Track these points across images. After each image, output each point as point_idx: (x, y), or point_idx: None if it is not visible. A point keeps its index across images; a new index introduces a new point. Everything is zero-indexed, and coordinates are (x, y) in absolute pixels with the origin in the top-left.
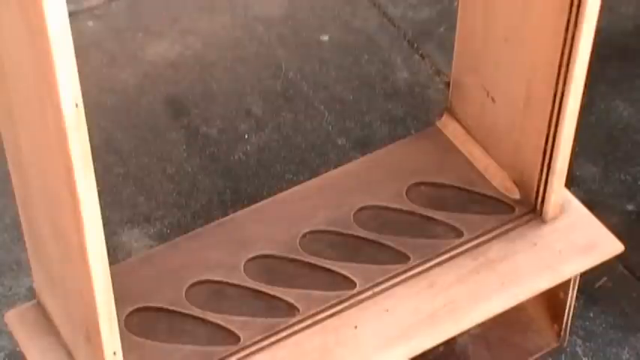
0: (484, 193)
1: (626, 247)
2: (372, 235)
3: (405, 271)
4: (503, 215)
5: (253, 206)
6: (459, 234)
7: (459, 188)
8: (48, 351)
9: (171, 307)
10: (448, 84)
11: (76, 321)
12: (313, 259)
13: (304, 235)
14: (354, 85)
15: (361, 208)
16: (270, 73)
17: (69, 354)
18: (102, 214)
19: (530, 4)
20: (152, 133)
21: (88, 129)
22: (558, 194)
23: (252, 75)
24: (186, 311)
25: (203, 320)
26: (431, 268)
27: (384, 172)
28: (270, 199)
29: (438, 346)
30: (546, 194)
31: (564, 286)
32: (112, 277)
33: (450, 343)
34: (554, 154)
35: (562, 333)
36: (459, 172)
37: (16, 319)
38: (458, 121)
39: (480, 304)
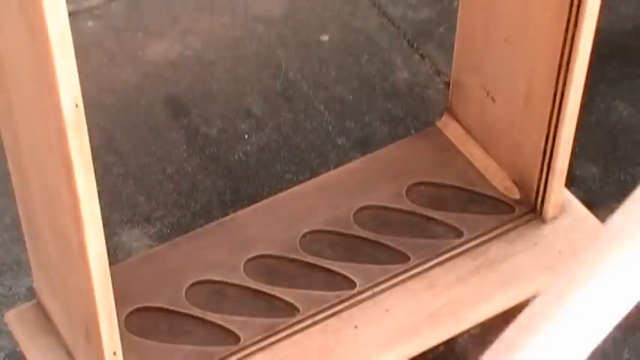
0: (484, 193)
1: None
2: (372, 235)
3: (405, 271)
4: (503, 215)
5: (253, 206)
6: (459, 234)
7: (459, 188)
8: (48, 351)
9: (171, 307)
10: (448, 84)
11: (76, 321)
12: (313, 259)
13: (304, 235)
14: (354, 85)
15: (361, 208)
16: (270, 73)
17: (69, 354)
18: (102, 214)
19: (530, 4)
20: (152, 133)
21: (88, 129)
22: (558, 194)
23: (252, 75)
24: (186, 311)
25: (203, 320)
26: (431, 268)
27: (384, 172)
28: (270, 199)
29: (438, 346)
30: (546, 194)
31: None
32: (112, 277)
33: (450, 343)
34: (554, 154)
35: None
36: (459, 172)
37: (16, 319)
38: (458, 121)
39: (480, 304)
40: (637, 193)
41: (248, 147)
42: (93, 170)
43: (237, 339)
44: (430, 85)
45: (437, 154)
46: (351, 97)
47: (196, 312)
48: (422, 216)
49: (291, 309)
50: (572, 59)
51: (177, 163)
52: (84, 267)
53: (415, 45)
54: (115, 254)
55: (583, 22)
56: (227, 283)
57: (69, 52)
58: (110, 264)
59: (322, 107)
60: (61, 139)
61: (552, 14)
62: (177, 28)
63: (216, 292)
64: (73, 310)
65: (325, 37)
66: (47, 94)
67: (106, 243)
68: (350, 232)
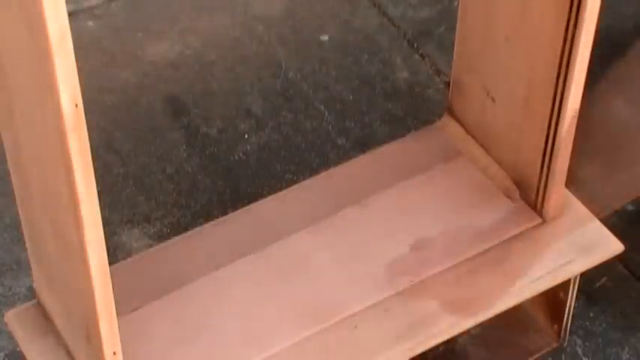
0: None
1: (626, 247)
2: None
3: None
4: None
5: (254, 204)
6: None
7: None
8: (48, 351)
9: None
10: (448, 84)
11: (76, 321)
12: None
13: None
14: (354, 85)
15: None
16: (270, 72)
17: (69, 354)
18: (102, 214)
19: (530, 3)
20: (152, 133)
21: (88, 129)
22: (558, 194)
23: (252, 74)
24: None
25: None
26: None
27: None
28: (270, 198)
29: (438, 346)
30: (546, 194)
31: (564, 286)
32: (112, 277)
33: (450, 343)
34: (554, 154)
35: (562, 333)
36: None
37: (16, 319)
38: (458, 121)
39: (480, 304)
40: None
41: (248, 147)
42: (93, 170)
43: None
44: (430, 85)
45: (437, 154)
46: (351, 97)
47: None
48: None
49: None
50: (572, 59)
51: (177, 163)
52: (84, 267)
53: (415, 45)
54: (115, 254)
55: (583, 22)
56: None
57: (69, 52)
58: (110, 264)
59: (322, 107)
60: (60, 139)
61: (552, 14)
62: (177, 27)
63: None
64: (73, 310)
65: (325, 37)
66: (47, 94)
67: (106, 243)
68: None
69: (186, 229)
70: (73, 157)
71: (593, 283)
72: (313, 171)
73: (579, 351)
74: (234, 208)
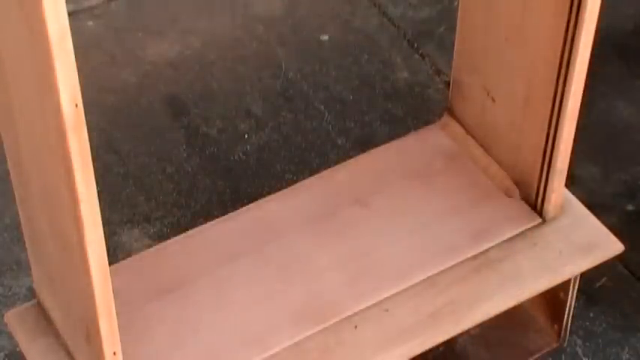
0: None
1: (626, 247)
2: None
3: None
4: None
5: (253, 204)
6: None
7: None
8: (48, 351)
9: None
10: (448, 84)
11: (76, 321)
12: None
13: None
14: (354, 85)
15: None
16: (270, 72)
17: (69, 354)
18: (102, 214)
19: (530, 3)
20: (152, 133)
21: (88, 129)
22: (558, 194)
23: (252, 74)
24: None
25: None
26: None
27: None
28: (270, 197)
29: (438, 346)
30: (546, 194)
31: (564, 286)
32: (112, 277)
33: (450, 343)
34: (554, 154)
35: (562, 333)
36: None
37: (15, 319)
38: (458, 121)
39: (480, 304)
40: None
41: (248, 147)
42: (93, 170)
43: None
44: (430, 85)
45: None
46: (351, 97)
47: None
48: None
49: None
50: (572, 59)
51: (177, 163)
52: (84, 267)
53: (415, 45)
54: (115, 254)
55: (583, 22)
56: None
57: (69, 52)
58: (110, 264)
59: (322, 107)
60: (60, 139)
61: (552, 14)
62: (177, 27)
63: None
64: (73, 310)
65: (325, 37)
66: (47, 94)
67: (106, 243)
68: None
69: (186, 229)
70: (73, 157)
71: (593, 283)
72: (313, 171)
73: (579, 351)
74: (234, 208)
